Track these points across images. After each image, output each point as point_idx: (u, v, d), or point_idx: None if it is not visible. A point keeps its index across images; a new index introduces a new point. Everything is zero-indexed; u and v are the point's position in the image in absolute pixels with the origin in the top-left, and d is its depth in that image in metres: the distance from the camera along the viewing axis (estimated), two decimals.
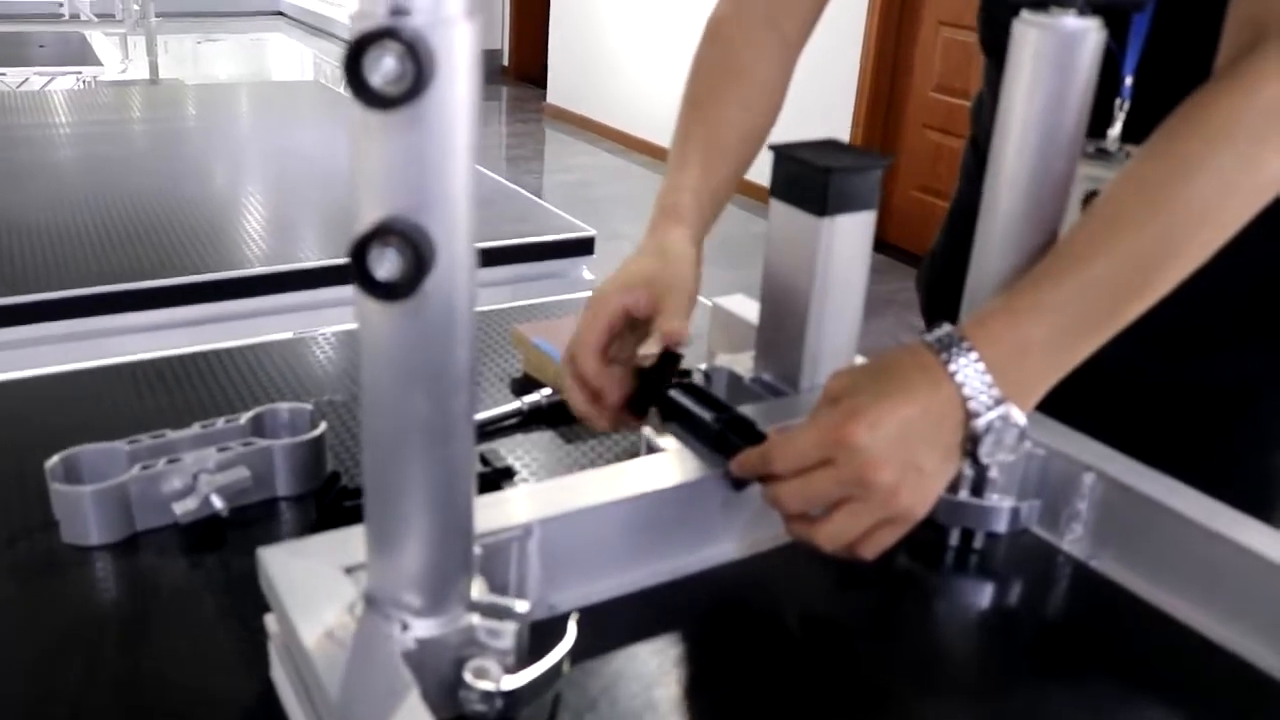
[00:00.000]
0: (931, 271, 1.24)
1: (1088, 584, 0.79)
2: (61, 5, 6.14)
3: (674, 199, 0.90)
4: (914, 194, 4.91)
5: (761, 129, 1.00)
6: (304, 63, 9.53)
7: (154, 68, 5.30)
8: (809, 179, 0.81)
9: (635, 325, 0.82)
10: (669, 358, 0.78)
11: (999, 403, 0.66)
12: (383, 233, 0.47)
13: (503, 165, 6.19)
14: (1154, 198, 0.69)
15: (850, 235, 0.83)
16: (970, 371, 0.66)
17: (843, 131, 5.03)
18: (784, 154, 0.83)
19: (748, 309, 1.05)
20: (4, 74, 4.05)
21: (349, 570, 0.59)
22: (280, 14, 11.10)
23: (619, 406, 0.80)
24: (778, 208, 0.84)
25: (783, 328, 0.87)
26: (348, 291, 1.69)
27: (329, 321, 1.38)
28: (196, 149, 2.13)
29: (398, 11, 0.45)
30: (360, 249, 0.48)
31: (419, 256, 0.47)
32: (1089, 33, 0.70)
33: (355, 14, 0.46)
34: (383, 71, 0.44)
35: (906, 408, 0.65)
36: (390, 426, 0.52)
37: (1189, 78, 0.74)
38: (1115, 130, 0.91)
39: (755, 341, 0.91)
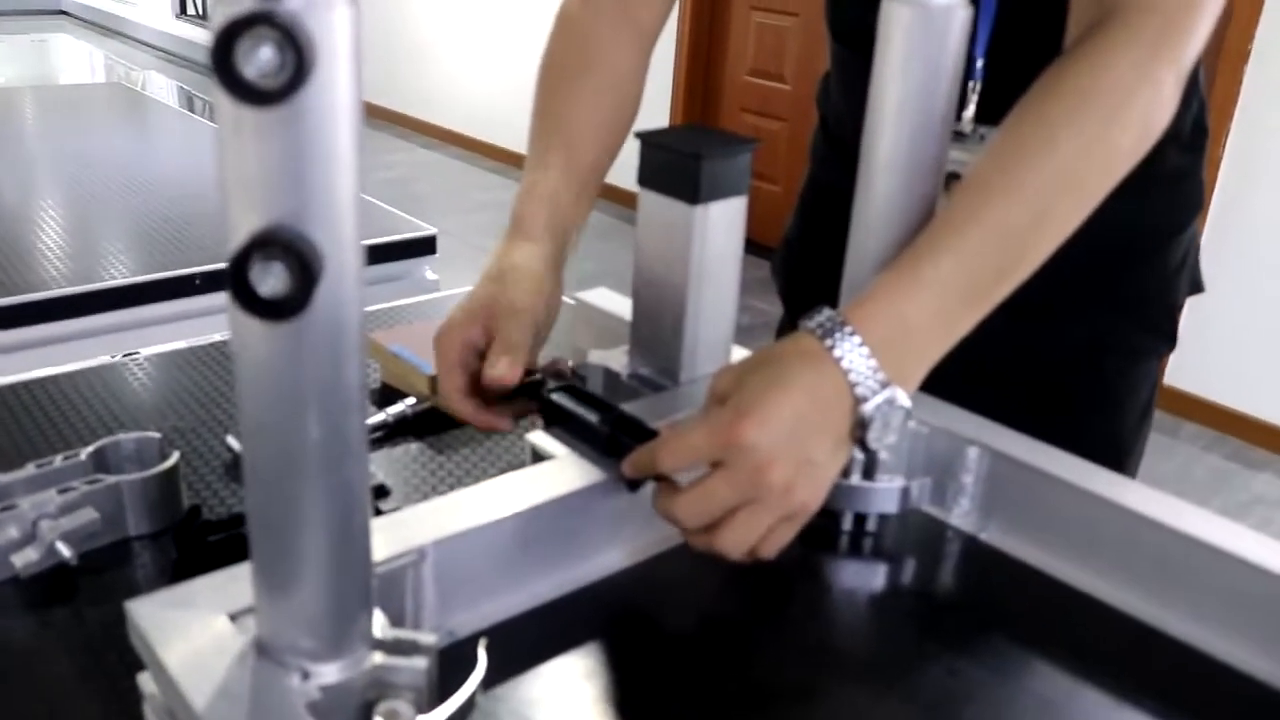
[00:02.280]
0: (788, 257, 1.23)
1: (979, 555, 0.79)
2: None
3: (524, 209, 0.87)
4: None
5: (623, 120, 0.97)
6: (94, 65, 9.00)
7: None
8: (680, 167, 0.79)
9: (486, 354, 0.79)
10: (534, 383, 0.77)
11: (885, 386, 0.66)
12: (264, 244, 0.42)
13: None
14: (1019, 170, 0.70)
15: (723, 222, 0.81)
16: (855, 356, 0.65)
17: (662, 118, 5.05)
18: (651, 141, 0.81)
19: (614, 303, 1.03)
20: None
21: (234, 617, 0.54)
22: (63, 13, 10.49)
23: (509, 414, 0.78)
24: (647, 197, 0.82)
25: (659, 320, 0.85)
26: (169, 308, 1.57)
27: (148, 341, 1.28)
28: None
29: None
30: (240, 263, 0.42)
31: (306, 269, 0.43)
32: (957, 9, 0.70)
33: None
34: (259, 63, 0.40)
35: (795, 400, 0.64)
36: (277, 454, 0.47)
37: (1038, 57, 0.75)
38: (969, 112, 0.92)
39: (630, 336, 0.88)
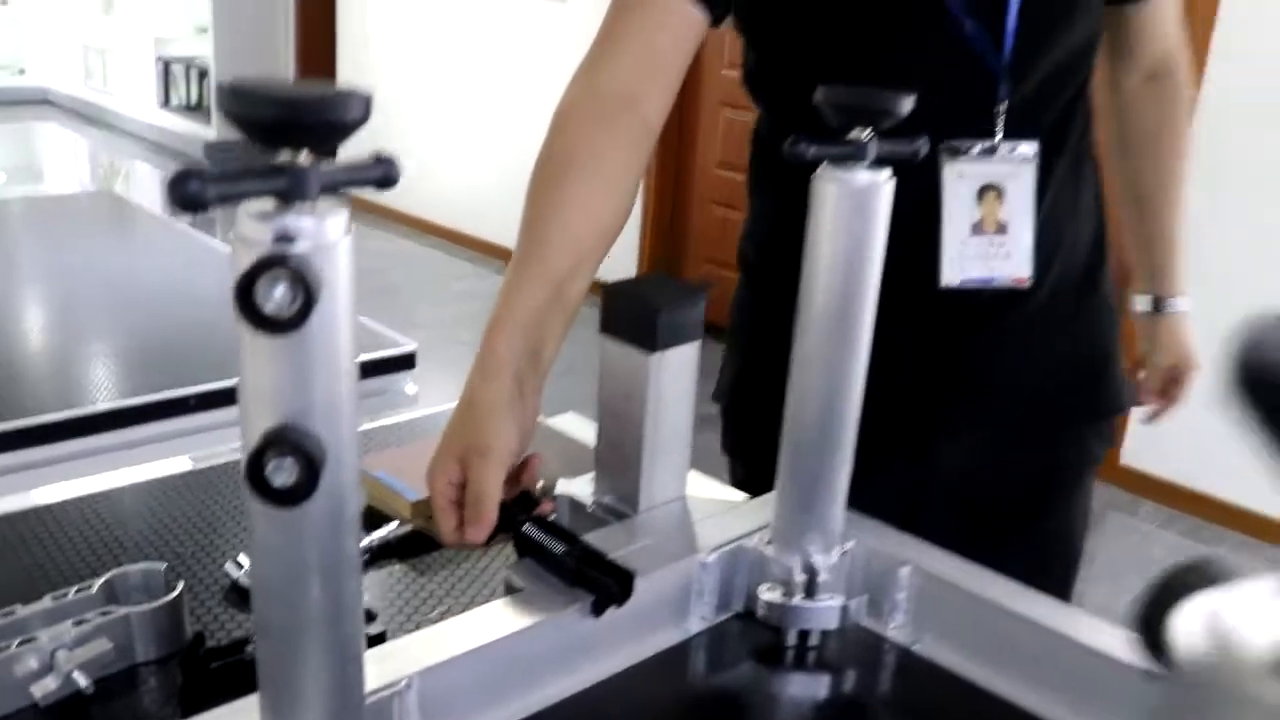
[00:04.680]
0: (733, 399, 1.30)
1: (913, 666, 0.87)
2: None
3: (494, 339, 0.91)
4: (705, 266, 5.12)
5: (613, 224, 1.00)
6: (79, 154, 9.15)
7: None
8: (638, 317, 0.88)
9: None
10: (519, 501, 0.85)
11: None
12: (277, 443, 0.51)
13: None
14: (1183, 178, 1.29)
15: (677, 366, 0.90)
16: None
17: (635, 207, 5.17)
18: (613, 292, 0.90)
19: (581, 429, 1.11)
20: None
21: None
22: (48, 103, 10.62)
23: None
24: (608, 344, 0.91)
25: (620, 455, 0.93)
26: (164, 427, 1.61)
27: (145, 459, 1.34)
28: None
29: (283, 238, 0.50)
30: (256, 460, 0.51)
31: (312, 462, 0.51)
32: (880, 186, 0.80)
33: (240, 239, 0.50)
34: (274, 299, 0.48)
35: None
36: (285, 613, 0.55)
37: (1055, 85, 1.06)
38: (999, 131, 1.06)
39: (595, 466, 0.97)
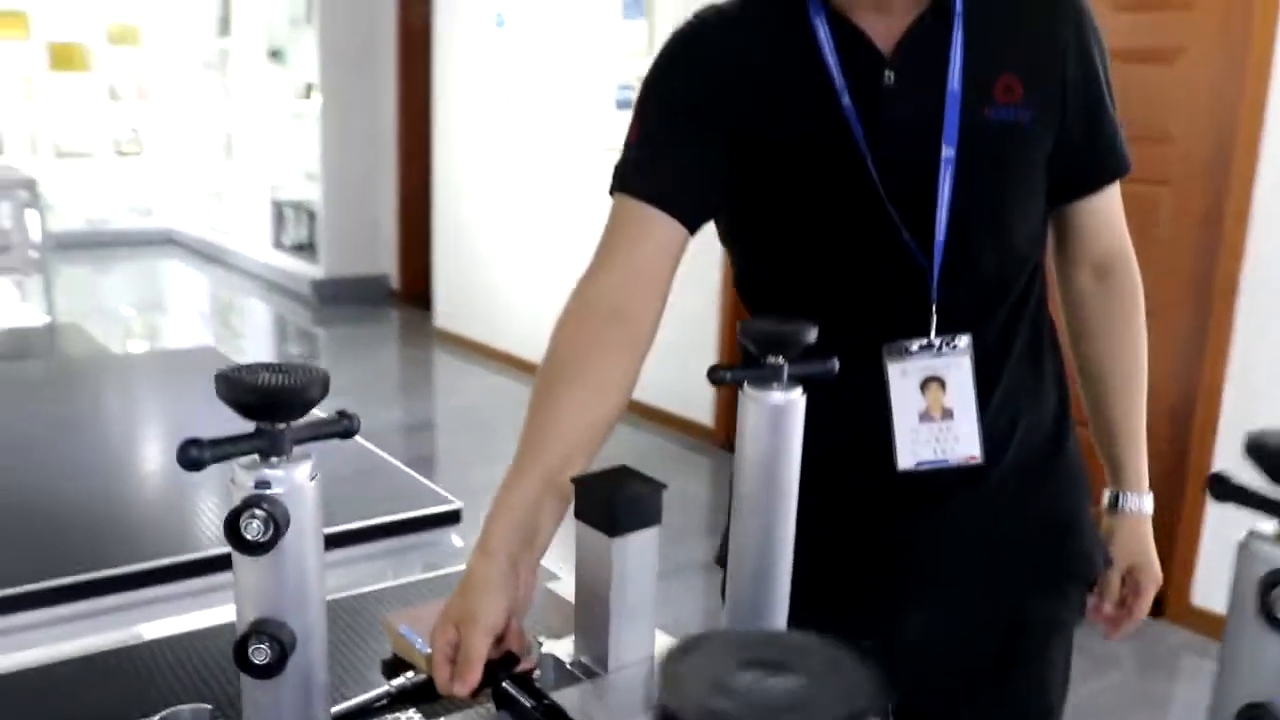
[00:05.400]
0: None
1: None
2: None
3: (491, 525, 1.06)
4: None
5: (605, 422, 1.13)
6: (198, 289, 9.74)
7: (51, 313, 5.47)
8: (601, 506, 1.03)
9: None
10: (503, 663, 1.01)
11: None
12: (257, 632, 0.68)
13: (395, 393, 6.40)
14: (1143, 369, 1.36)
15: (638, 547, 1.05)
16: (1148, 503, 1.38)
17: (712, 355, 5.32)
18: (581, 483, 1.06)
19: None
20: None
21: None
22: (173, 242, 11.35)
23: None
24: (579, 527, 1.07)
25: (593, 621, 1.08)
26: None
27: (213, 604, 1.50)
28: (84, 433, 2.19)
29: (261, 484, 0.67)
30: (242, 643, 0.68)
31: (283, 646, 0.68)
32: (795, 404, 0.96)
33: (233, 484, 0.68)
34: (253, 530, 0.66)
35: None
36: None
37: (981, 283, 1.21)
38: (933, 328, 1.20)
39: (575, 630, 1.12)
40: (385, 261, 8.68)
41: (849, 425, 1.24)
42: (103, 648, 1.28)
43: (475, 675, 1.00)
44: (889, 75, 1.17)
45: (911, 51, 1.18)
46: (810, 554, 1.26)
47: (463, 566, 1.61)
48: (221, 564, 1.67)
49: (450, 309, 7.40)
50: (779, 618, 1.01)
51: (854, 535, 1.28)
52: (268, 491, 0.66)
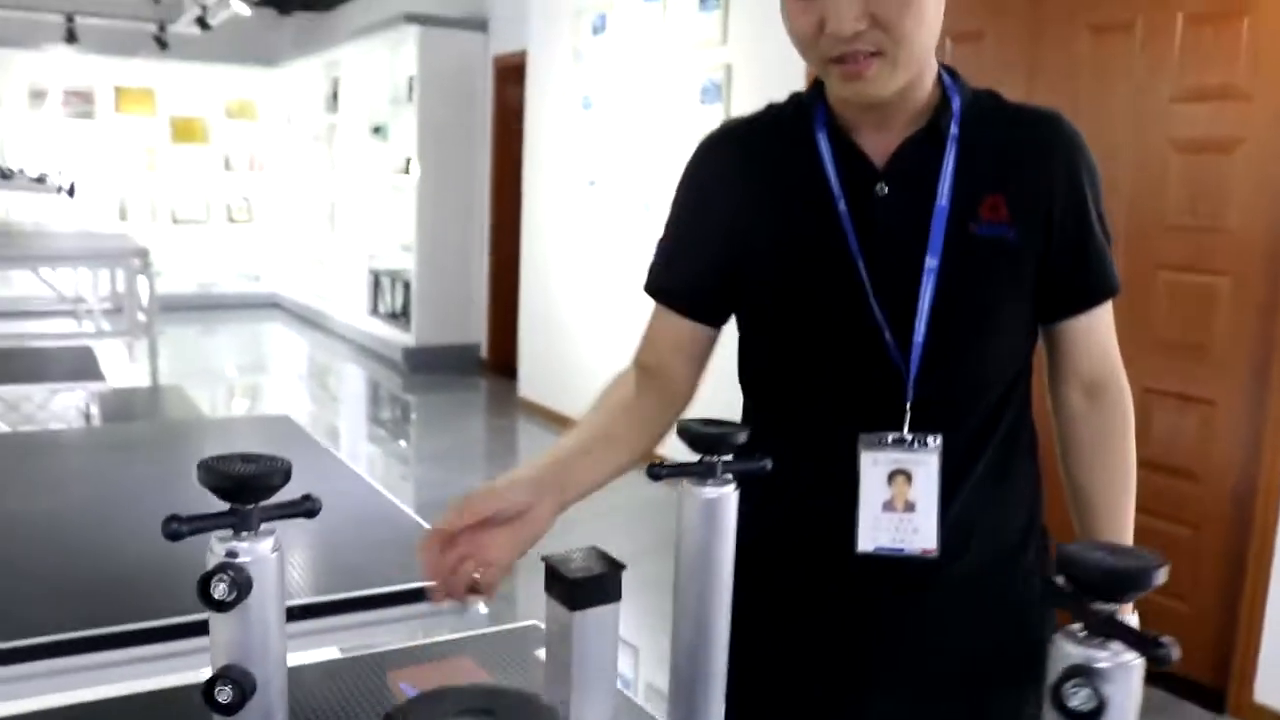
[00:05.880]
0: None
1: None
2: (72, 308, 6.71)
3: (526, 463, 1.24)
4: None
5: (622, 445, 1.34)
6: (298, 352, 10.13)
7: (154, 376, 5.80)
8: (564, 583, 1.15)
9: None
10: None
11: None
12: (222, 676, 0.82)
13: (479, 461, 6.59)
14: (1131, 488, 1.38)
15: (598, 621, 1.16)
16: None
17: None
18: (549, 562, 1.18)
19: None
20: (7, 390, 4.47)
21: None
22: (277, 306, 11.83)
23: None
24: (548, 600, 1.19)
25: (558, 680, 1.19)
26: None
27: None
28: (164, 493, 2.36)
29: (231, 554, 0.82)
30: (209, 685, 0.82)
31: (244, 689, 0.82)
32: (727, 498, 1.07)
33: (210, 551, 0.82)
34: (220, 591, 0.80)
35: None
36: None
37: (956, 387, 1.28)
38: (906, 425, 1.29)
39: (544, 681, 1.24)
40: (475, 331, 8.94)
41: (820, 503, 1.34)
42: (161, 687, 1.42)
43: (465, 513, 1.14)
44: (881, 187, 1.29)
45: (903, 166, 1.29)
46: (772, 639, 1.38)
47: (485, 630, 1.75)
48: None
49: (533, 379, 7.59)
50: (717, 691, 1.11)
51: (816, 618, 1.37)
52: (235, 560, 0.81)
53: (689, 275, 1.42)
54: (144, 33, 10.97)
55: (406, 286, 8.95)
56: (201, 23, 10.31)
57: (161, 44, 10.92)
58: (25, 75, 11.13)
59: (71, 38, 10.75)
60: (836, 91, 1.28)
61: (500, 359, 8.61)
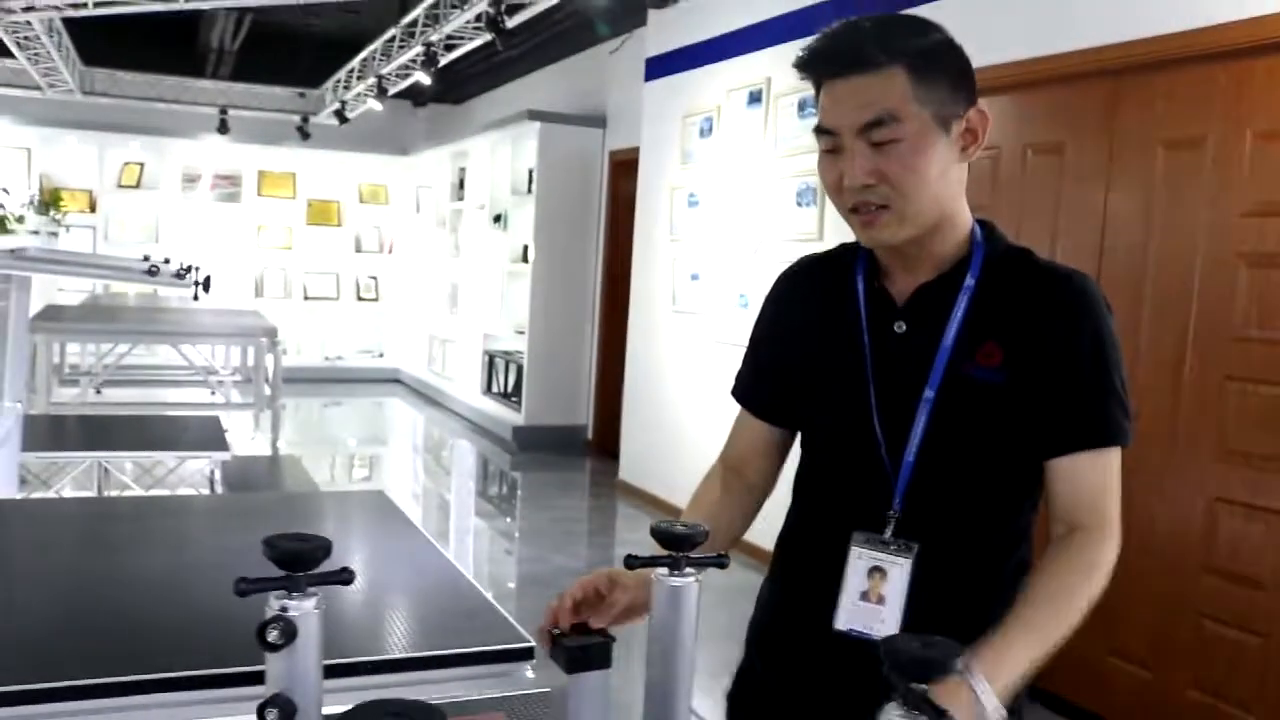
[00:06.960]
0: (734, 689, 1.76)
1: None
2: (205, 379, 7.21)
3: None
4: None
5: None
6: (415, 427, 10.57)
7: (274, 446, 6.23)
8: (561, 651, 1.39)
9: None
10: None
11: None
12: (271, 702, 1.08)
13: (579, 540, 6.86)
14: (1064, 600, 1.37)
15: (590, 685, 1.38)
16: (988, 695, 1.23)
17: None
18: (554, 635, 1.41)
19: None
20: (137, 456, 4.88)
21: None
22: (398, 381, 12.36)
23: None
24: (552, 665, 1.43)
25: None
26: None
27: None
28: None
29: (283, 609, 1.08)
30: (262, 709, 1.08)
31: (287, 713, 1.08)
32: (690, 587, 1.30)
33: (267, 605, 1.09)
34: (273, 636, 1.07)
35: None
36: None
37: (939, 505, 1.44)
38: (889, 530, 1.50)
39: None
40: (581, 413, 9.23)
41: (815, 583, 1.56)
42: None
43: (571, 594, 1.39)
44: (900, 324, 1.53)
45: (919, 307, 1.52)
46: (766, 694, 1.59)
47: (532, 691, 1.99)
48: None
49: (634, 462, 7.81)
50: None
51: (798, 685, 1.58)
52: (285, 614, 1.07)
53: (765, 384, 1.70)
54: (289, 123, 11.84)
55: (519, 368, 9.31)
56: (340, 115, 11.07)
57: (304, 134, 11.75)
58: (180, 161, 12.04)
59: (224, 128, 11.64)
60: (857, 237, 1.53)
61: (604, 441, 8.84)
